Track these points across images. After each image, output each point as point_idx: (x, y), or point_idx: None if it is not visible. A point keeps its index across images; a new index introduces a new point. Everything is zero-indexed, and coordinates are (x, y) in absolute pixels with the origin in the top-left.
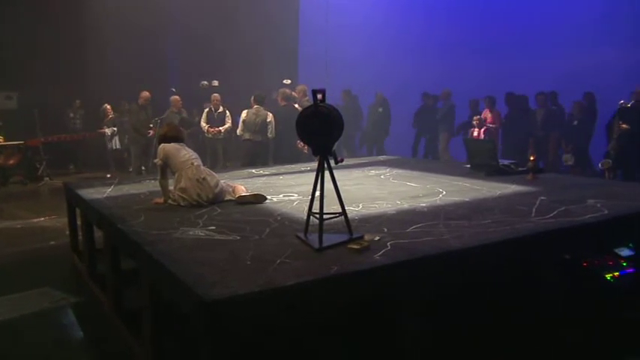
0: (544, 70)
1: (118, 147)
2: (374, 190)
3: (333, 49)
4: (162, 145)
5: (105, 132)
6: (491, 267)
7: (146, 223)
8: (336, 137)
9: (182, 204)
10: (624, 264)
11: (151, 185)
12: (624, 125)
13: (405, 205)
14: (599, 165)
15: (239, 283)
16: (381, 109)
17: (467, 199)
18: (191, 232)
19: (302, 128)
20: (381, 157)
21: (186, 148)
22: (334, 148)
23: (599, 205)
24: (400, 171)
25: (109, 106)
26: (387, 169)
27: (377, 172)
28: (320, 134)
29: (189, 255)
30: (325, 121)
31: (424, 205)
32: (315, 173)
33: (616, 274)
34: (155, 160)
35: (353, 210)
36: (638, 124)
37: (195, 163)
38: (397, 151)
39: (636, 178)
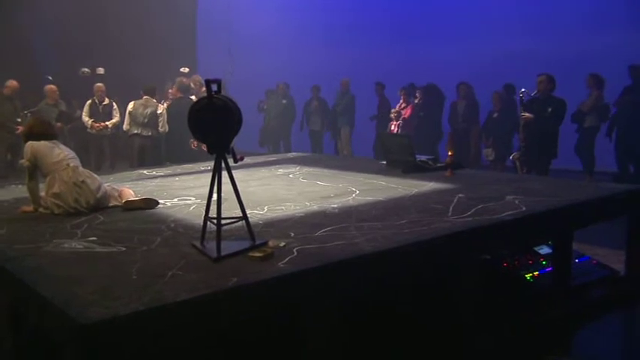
0: (464, 58)
1: None
2: (281, 190)
3: (238, 33)
4: (30, 143)
5: None
6: (406, 270)
7: (9, 237)
8: (234, 132)
9: (56, 212)
10: (544, 262)
11: (18, 191)
12: (527, 114)
13: (315, 207)
14: (510, 158)
15: (122, 301)
16: (285, 101)
17: (381, 199)
18: (66, 245)
19: (194, 123)
20: (291, 155)
21: (61, 146)
22: (233, 144)
23: (517, 202)
24: (311, 169)
25: None
26: (297, 168)
27: (285, 170)
28: (216, 130)
29: (62, 271)
30: (221, 114)
31: (335, 206)
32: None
33: (536, 273)
34: (21, 161)
35: (257, 214)
36: (541, 114)
37: (72, 164)
38: (308, 147)
39: (540, 169)
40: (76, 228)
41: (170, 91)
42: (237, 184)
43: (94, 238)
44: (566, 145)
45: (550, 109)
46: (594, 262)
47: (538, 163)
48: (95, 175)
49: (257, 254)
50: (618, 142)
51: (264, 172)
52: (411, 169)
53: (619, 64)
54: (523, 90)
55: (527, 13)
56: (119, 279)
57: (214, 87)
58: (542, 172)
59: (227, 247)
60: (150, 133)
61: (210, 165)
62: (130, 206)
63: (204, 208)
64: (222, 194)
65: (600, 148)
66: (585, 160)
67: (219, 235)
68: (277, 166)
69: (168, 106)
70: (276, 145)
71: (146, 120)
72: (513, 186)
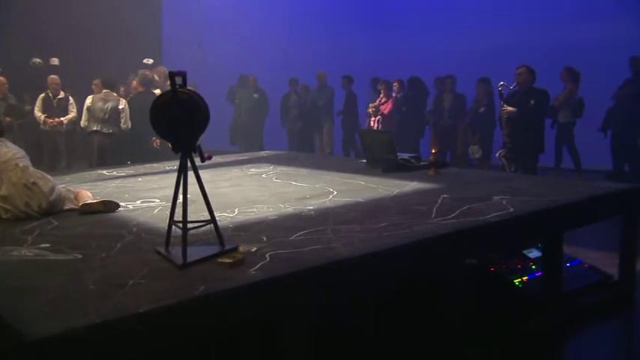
0: (449, 51)
1: None
2: (253, 192)
3: (208, 21)
4: None
5: None
6: (386, 276)
7: None
8: (201, 129)
9: (4, 216)
10: (533, 267)
11: None
12: (509, 108)
13: (290, 209)
14: (497, 155)
15: (77, 313)
16: (256, 95)
17: (360, 200)
18: (15, 253)
19: (157, 119)
20: (264, 153)
21: (8, 144)
22: (199, 142)
23: (504, 203)
24: (285, 169)
25: None
26: (271, 167)
27: (258, 170)
28: (180, 126)
29: (10, 282)
30: (186, 109)
31: (311, 208)
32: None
33: (525, 278)
34: None
35: (226, 217)
36: (524, 107)
37: (21, 164)
38: (283, 145)
39: (528, 166)
40: (27, 234)
41: (135, 83)
42: (206, 185)
43: (47, 245)
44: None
45: (533, 102)
46: (586, 265)
47: (525, 160)
48: (48, 176)
49: (226, 260)
50: (615, 138)
51: (234, 171)
52: (393, 167)
53: (614, 56)
54: (502, 83)
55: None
56: (74, 289)
57: (179, 80)
58: (531, 169)
59: (194, 253)
60: (111, 130)
61: (175, 164)
62: (88, 209)
63: (169, 211)
64: (189, 196)
65: (593, 145)
66: (572, 157)
67: (185, 240)
68: (249, 165)
69: (128, 101)
70: (248, 143)
71: (106, 116)
72: (500, 185)
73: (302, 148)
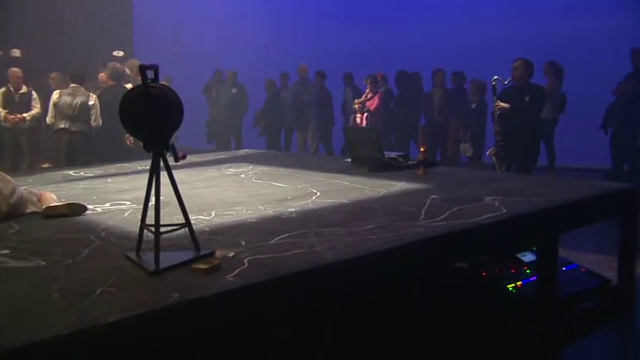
0: (437, 44)
1: None
2: (231, 193)
3: (184, 10)
4: None
5: None
6: (373, 282)
7: None
8: (175, 126)
9: None
10: (527, 271)
11: None
12: (502, 104)
13: (270, 211)
14: (487, 154)
15: (40, 324)
16: (234, 90)
17: (345, 201)
18: None
19: (127, 115)
20: (243, 152)
21: None
22: (174, 140)
23: (497, 204)
24: (266, 168)
25: None
26: (250, 167)
27: (236, 170)
28: (152, 123)
29: None
30: (159, 105)
31: (293, 210)
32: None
33: (519, 283)
34: None
35: (202, 220)
36: (518, 104)
37: None
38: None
39: (521, 165)
40: None
41: (105, 76)
42: (180, 185)
43: (7, 251)
44: (577, 138)
45: (527, 98)
46: (583, 270)
47: (519, 159)
48: (8, 177)
49: (202, 266)
50: (614, 135)
51: (211, 171)
52: (379, 167)
53: (615, 49)
54: (496, 78)
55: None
56: (37, 298)
57: (150, 73)
58: (525, 169)
59: (167, 259)
60: (80, 128)
61: (148, 164)
62: (52, 213)
63: (141, 213)
64: (163, 197)
65: (591, 142)
66: (547, 153)
67: (157, 245)
68: (227, 164)
69: (98, 96)
70: (226, 141)
71: (75, 112)
72: (493, 185)
73: (290, 147)
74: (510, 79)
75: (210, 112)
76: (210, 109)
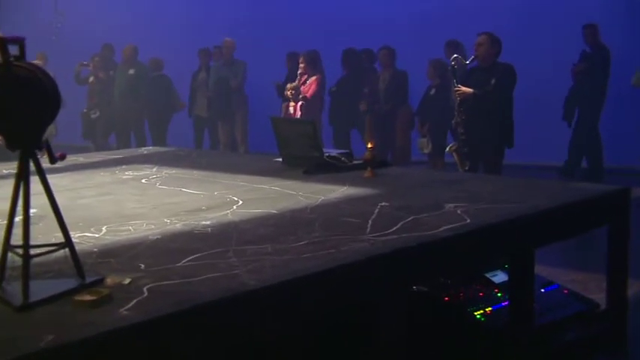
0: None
1: None
2: (129, 203)
3: None
4: None
5: None
6: (306, 311)
7: None
8: (48, 118)
9: None
10: (498, 294)
11: None
12: (463, 89)
13: (178, 225)
14: (447, 150)
15: None
16: (132, 71)
17: (274, 211)
18: None
19: None
20: (144, 150)
21: None
22: (47, 135)
23: (459, 212)
24: (174, 171)
25: None
26: (154, 169)
27: (136, 173)
28: (17, 113)
29: None
30: (25, 90)
31: (208, 223)
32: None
33: (488, 309)
34: None
35: (90, 238)
36: (483, 88)
37: None
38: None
39: (490, 164)
40: None
41: None
42: (62, 194)
43: None
44: (524, 132)
45: (494, 81)
46: (565, 291)
47: (486, 156)
48: None
49: (87, 298)
50: (574, 125)
51: (103, 175)
52: (317, 168)
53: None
54: (455, 56)
55: None
56: None
57: (13, 49)
58: (493, 168)
59: (40, 289)
60: None
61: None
62: None
63: (4, 231)
64: (35, 210)
65: (541, 138)
66: None
67: (27, 272)
68: (124, 166)
69: None
70: (124, 137)
71: None
72: (455, 189)
73: (214, 144)
74: (473, 58)
75: (88, 101)
76: (89, 96)
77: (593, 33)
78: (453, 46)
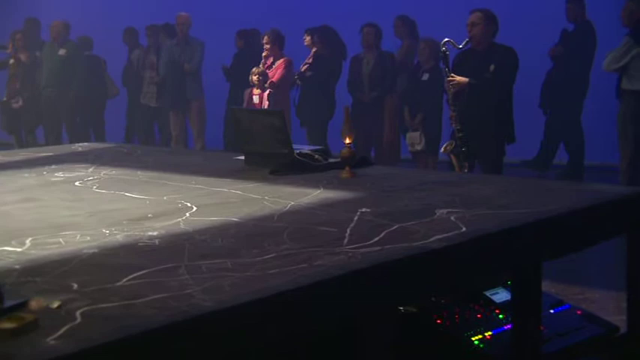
0: None
1: None
2: (60, 210)
3: None
4: None
5: None
6: (272, 337)
7: None
8: None
9: None
10: (500, 316)
11: None
12: (457, 78)
13: (119, 237)
14: (441, 151)
15: None
16: (62, 51)
17: (235, 219)
18: None
19: None
20: (79, 146)
21: None
22: None
23: (453, 219)
24: (115, 171)
25: None
26: (90, 169)
27: (68, 174)
28: None
29: None
30: None
31: (155, 234)
32: None
33: (488, 334)
34: None
35: (11, 252)
36: (480, 76)
37: None
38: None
39: (489, 163)
40: None
41: None
42: None
43: None
44: (527, 126)
45: (493, 67)
46: (579, 312)
47: (485, 155)
48: None
49: (6, 325)
50: (551, 114)
51: (28, 177)
52: (285, 168)
53: None
54: (446, 40)
55: None
56: None
57: None
58: (492, 167)
59: None
60: None
61: None
62: None
63: None
64: None
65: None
66: None
67: None
68: (54, 166)
69: None
70: (54, 131)
71: None
72: (448, 192)
73: (165, 139)
74: (467, 40)
75: (8, 88)
76: (10, 82)
77: (577, 8)
78: (406, 23)
